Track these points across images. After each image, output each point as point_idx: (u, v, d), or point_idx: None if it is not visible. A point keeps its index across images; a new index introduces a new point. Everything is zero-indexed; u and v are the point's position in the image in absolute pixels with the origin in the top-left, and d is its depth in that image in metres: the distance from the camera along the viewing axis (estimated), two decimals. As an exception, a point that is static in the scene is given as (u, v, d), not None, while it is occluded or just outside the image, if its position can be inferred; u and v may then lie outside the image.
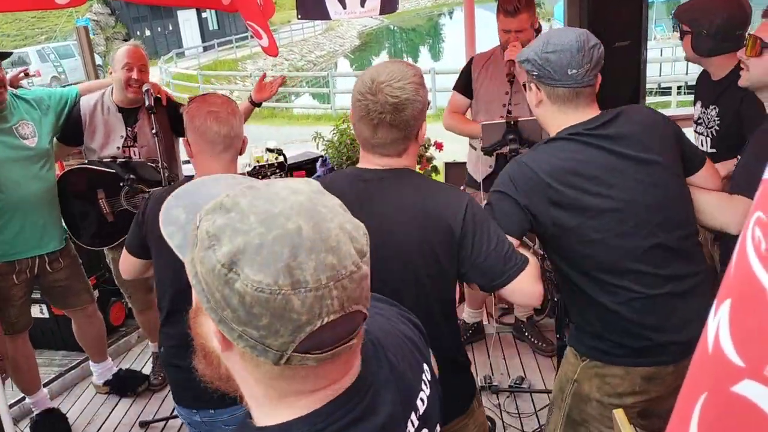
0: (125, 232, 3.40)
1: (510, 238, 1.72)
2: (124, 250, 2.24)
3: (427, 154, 4.95)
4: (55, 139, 3.27)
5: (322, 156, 4.77)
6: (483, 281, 1.69)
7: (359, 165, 1.71)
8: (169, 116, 3.38)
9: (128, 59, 3.17)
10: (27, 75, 3.56)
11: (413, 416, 0.96)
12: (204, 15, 35.06)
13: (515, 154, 2.84)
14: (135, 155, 3.30)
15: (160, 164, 3.05)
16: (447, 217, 1.61)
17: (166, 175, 3.17)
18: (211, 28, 35.66)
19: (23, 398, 3.50)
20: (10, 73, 3.07)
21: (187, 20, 34.14)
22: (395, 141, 1.62)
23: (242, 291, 0.71)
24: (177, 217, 0.90)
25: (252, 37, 2.77)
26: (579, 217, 1.75)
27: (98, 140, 3.31)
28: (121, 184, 3.25)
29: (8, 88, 3.01)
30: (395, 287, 1.59)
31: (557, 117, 1.81)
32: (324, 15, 4.47)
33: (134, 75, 3.15)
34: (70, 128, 3.29)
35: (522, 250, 1.73)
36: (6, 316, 3.13)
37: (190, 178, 3.77)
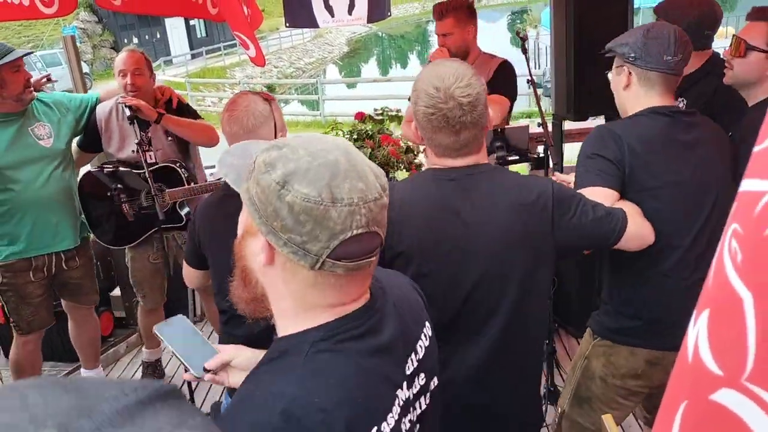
0: (144, 232, 3.44)
1: (610, 191, 1.87)
2: (185, 262, 2.31)
3: (417, 160, 4.95)
4: (75, 146, 3.31)
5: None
6: (599, 243, 1.79)
7: (436, 167, 1.71)
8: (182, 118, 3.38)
9: (122, 66, 3.23)
10: (49, 80, 3.58)
11: (413, 356, 1.10)
12: (192, 23, 34.98)
13: (502, 162, 2.86)
14: (151, 159, 3.31)
15: (146, 171, 3.07)
16: (540, 201, 1.65)
17: (186, 176, 3.23)
18: (199, 36, 35.58)
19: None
20: (33, 78, 3.10)
21: (175, 28, 34.04)
22: (476, 137, 1.66)
23: (292, 202, 0.89)
24: (231, 162, 1.08)
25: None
26: (650, 182, 1.89)
27: (114, 145, 3.35)
28: (108, 194, 3.27)
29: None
30: (498, 275, 1.64)
31: (642, 99, 1.97)
32: (312, 23, 4.48)
33: (128, 80, 3.19)
34: (88, 135, 3.35)
35: (622, 205, 1.84)
36: (20, 314, 3.14)
37: (211, 184, 3.76)
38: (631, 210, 1.81)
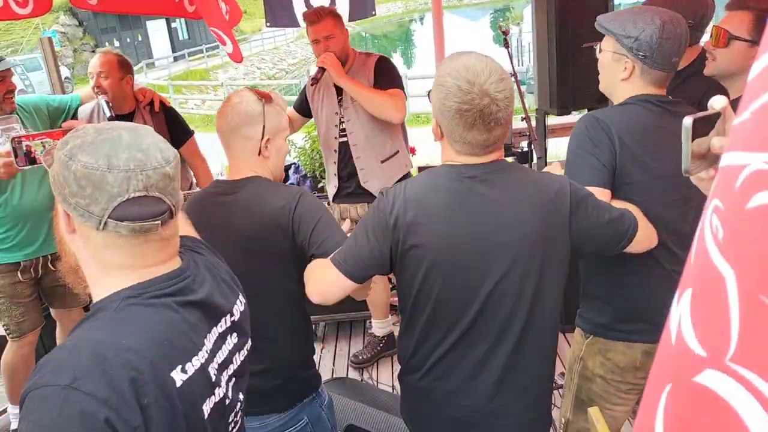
0: None
1: (604, 191, 1.81)
2: None
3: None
4: None
5: (294, 163, 4.75)
6: (609, 246, 1.73)
7: (449, 163, 1.66)
8: (167, 120, 3.35)
9: (90, 69, 3.21)
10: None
11: (228, 317, 1.27)
12: (174, 25, 34.78)
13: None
14: None
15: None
16: (557, 200, 1.61)
17: None
18: (181, 38, 35.37)
19: (2, 411, 3.44)
20: None
21: (157, 30, 33.82)
22: (505, 134, 1.62)
23: (75, 169, 1.03)
24: None
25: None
26: (641, 176, 1.84)
27: None
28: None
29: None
30: (516, 274, 1.59)
31: (637, 89, 1.88)
32: (293, 22, 4.47)
33: (93, 82, 3.16)
34: None
35: (616, 204, 1.81)
36: (11, 316, 3.09)
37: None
38: (635, 212, 1.78)
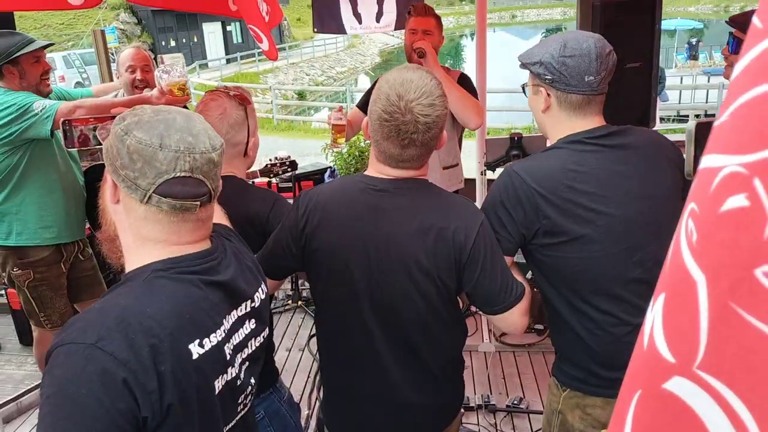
0: None
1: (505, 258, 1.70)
2: None
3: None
4: None
5: (330, 167, 4.80)
6: (480, 304, 1.68)
7: (369, 173, 1.67)
8: None
9: (131, 62, 3.28)
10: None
11: (248, 302, 1.31)
12: (229, 28, 35.50)
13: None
14: None
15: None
16: (458, 238, 1.57)
17: None
18: (235, 42, 36.08)
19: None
20: None
21: (212, 32, 34.58)
22: (422, 156, 1.61)
23: (128, 143, 1.11)
24: None
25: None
26: (569, 231, 1.65)
27: None
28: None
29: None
30: (399, 295, 1.62)
31: (563, 124, 1.72)
32: (340, 29, 4.52)
33: (138, 76, 3.25)
34: None
35: (515, 274, 1.71)
36: (54, 308, 3.15)
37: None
38: (526, 294, 1.69)
